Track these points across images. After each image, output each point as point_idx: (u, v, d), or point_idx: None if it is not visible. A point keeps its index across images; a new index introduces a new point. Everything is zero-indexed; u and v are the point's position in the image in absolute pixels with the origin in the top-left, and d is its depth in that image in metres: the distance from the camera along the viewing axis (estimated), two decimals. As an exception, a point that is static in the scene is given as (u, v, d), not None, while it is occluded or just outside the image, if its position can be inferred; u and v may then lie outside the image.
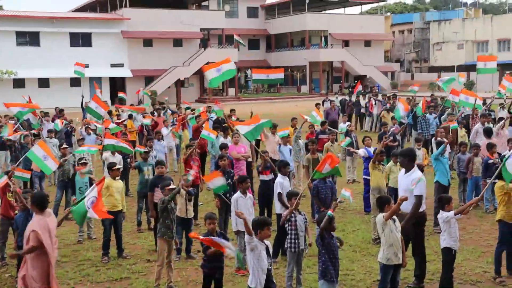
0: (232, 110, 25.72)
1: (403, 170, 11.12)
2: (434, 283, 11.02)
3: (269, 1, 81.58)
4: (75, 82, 60.55)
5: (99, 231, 14.07)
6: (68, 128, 23.60)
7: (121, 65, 64.93)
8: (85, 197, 10.39)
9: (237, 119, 22.38)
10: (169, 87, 64.10)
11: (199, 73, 68.28)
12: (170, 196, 11.20)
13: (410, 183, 10.64)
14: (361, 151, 16.40)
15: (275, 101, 60.74)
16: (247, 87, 77.03)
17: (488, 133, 18.02)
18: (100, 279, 11.95)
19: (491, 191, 16.16)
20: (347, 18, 79.63)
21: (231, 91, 69.61)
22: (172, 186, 11.58)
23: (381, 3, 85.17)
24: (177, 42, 68.30)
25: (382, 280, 9.80)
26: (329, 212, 9.14)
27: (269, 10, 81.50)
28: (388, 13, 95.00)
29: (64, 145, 18.02)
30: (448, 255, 10.38)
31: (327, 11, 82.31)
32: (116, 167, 13.91)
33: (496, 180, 15.35)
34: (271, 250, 8.95)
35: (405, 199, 9.73)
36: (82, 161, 14.95)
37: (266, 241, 8.90)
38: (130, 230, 15.11)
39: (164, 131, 22.28)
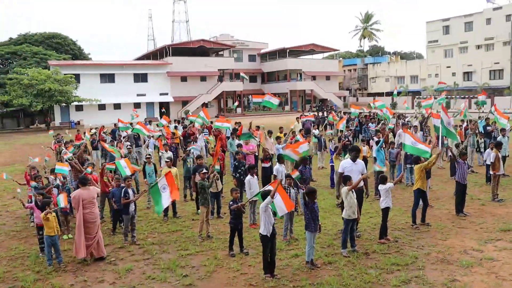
0: (238, 123, 25.67)
1: (348, 159, 11.06)
2: (376, 230, 11.20)
3: (263, 50, 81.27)
4: (137, 105, 60.97)
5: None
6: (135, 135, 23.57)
7: (166, 94, 64.63)
8: (157, 183, 10.42)
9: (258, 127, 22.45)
10: (197, 108, 63.63)
11: (217, 98, 68.43)
12: (202, 182, 11.29)
13: (359, 167, 10.91)
14: (331, 146, 16.62)
15: (267, 116, 60.60)
16: (249, 107, 76.92)
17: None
18: (163, 230, 12.07)
19: (409, 172, 16.57)
20: (314, 61, 79.14)
21: (239, 110, 69.57)
22: (204, 171, 11.80)
23: (336, 52, 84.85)
24: (203, 78, 67.68)
25: (345, 230, 9.90)
26: (296, 173, 9.60)
27: (263, 56, 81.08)
28: (340, 58, 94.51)
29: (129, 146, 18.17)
30: (386, 212, 10.76)
31: (301, 57, 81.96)
32: (168, 159, 14.10)
33: (413, 165, 15.78)
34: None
35: (364, 178, 9.97)
36: (148, 157, 15.02)
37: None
38: (179, 200, 14.92)
39: (199, 136, 22.46)
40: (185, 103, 65.45)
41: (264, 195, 9.03)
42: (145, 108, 62.41)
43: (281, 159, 13.17)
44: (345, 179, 9.98)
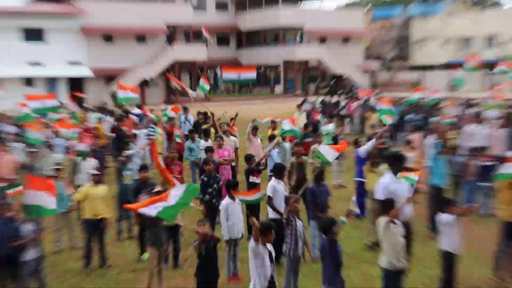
0: (202, 113, 25.86)
1: (389, 173, 11.36)
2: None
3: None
4: (29, 82, 60.51)
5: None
6: None
7: (79, 63, 63.90)
8: None
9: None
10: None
11: (165, 72, 68.38)
12: None
13: (405, 187, 11.03)
14: (360, 151, 16.65)
15: (247, 103, 60.67)
16: (217, 87, 76.80)
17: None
18: (86, 289, 12.15)
19: (485, 194, 16.84)
20: (324, 12, 79.92)
21: (199, 92, 69.35)
22: (156, 189, 11.85)
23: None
24: (141, 38, 67.78)
25: (386, 286, 10.05)
26: (342, 218, 9.61)
27: (240, 4, 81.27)
28: (368, 7, 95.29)
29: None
30: (449, 259, 10.83)
31: (303, 4, 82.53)
32: (95, 172, 14.14)
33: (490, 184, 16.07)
34: (273, 256, 9.27)
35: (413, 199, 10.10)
36: (57, 167, 14.96)
37: (269, 246, 9.22)
38: (110, 240, 14.95)
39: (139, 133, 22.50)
40: (110, 79, 65.24)
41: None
42: (42, 87, 61.89)
43: (278, 171, 13.23)
44: (386, 205, 10.09)
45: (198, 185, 11.25)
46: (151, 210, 9.84)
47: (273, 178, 13.22)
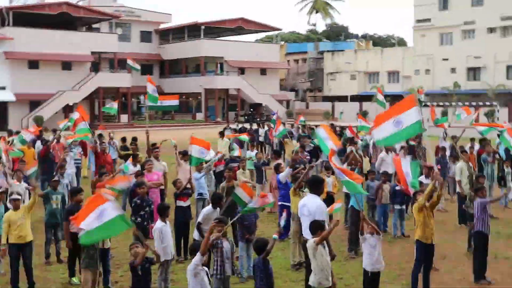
0: (134, 139, 25.74)
1: (311, 196, 11.42)
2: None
3: (163, 26, 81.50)
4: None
5: (7, 263, 13.51)
6: None
7: (3, 88, 62.25)
8: None
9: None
10: (56, 113, 62.25)
11: (89, 98, 67.54)
12: None
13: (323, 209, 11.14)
14: (281, 176, 16.67)
15: (170, 128, 60.40)
16: (140, 113, 76.27)
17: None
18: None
19: (398, 216, 17.18)
20: (243, 45, 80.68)
21: (124, 118, 68.80)
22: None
23: (276, 32, 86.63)
24: (66, 65, 66.58)
25: (313, 305, 9.98)
26: (275, 236, 9.56)
27: (163, 35, 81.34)
28: (283, 42, 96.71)
29: None
30: (370, 277, 10.95)
31: (222, 38, 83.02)
32: (16, 198, 13.54)
33: (402, 206, 16.43)
34: (209, 275, 9.16)
35: (336, 225, 10.18)
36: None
37: (204, 267, 9.14)
38: (38, 263, 14.38)
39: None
40: (35, 104, 63.78)
41: (193, 249, 9.01)
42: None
43: (217, 201, 13.16)
44: (315, 226, 10.12)
45: (126, 223, 10.62)
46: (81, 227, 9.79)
47: (211, 206, 13.20)
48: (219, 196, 13.57)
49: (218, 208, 13.17)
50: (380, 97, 26.75)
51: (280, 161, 19.35)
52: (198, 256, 8.75)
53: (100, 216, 9.42)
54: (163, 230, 11.81)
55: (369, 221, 11.03)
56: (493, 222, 17.52)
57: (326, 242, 10.07)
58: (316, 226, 10.05)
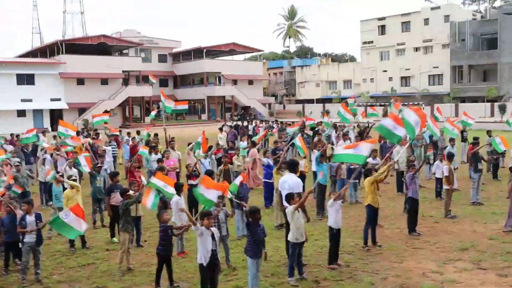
0: (156, 135, 25.71)
1: (289, 174, 11.32)
2: (324, 254, 11.46)
3: (175, 50, 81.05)
4: (21, 113, 58.73)
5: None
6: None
7: (59, 99, 62.07)
8: (58, 216, 10.24)
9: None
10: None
11: (121, 105, 67.16)
12: (131, 201, 11.22)
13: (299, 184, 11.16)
14: (265, 160, 16.87)
15: (182, 126, 60.18)
16: (159, 115, 75.86)
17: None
18: (72, 265, 11.66)
19: (353, 188, 17.24)
20: (235, 63, 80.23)
21: (147, 119, 68.49)
22: (132, 193, 11.60)
23: (260, 53, 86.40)
24: (104, 81, 66.19)
25: (291, 254, 10.04)
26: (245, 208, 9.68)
27: (176, 56, 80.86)
28: (265, 60, 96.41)
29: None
30: (330, 232, 11.02)
31: (220, 58, 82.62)
32: (72, 179, 13.76)
33: (357, 180, 16.42)
34: (216, 237, 9.07)
35: (311, 191, 10.19)
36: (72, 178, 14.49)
37: (213, 229, 9.08)
38: (87, 227, 14.57)
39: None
40: (82, 110, 63.47)
41: (202, 215, 9.03)
42: (31, 117, 59.76)
43: (210, 175, 13.08)
44: (289, 197, 10.15)
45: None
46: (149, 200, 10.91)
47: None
48: (210, 172, 13.67)
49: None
50: (343, 110, 25.81)
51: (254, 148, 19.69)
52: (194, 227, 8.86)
53: None
54: (179, 202, 11.83)
55: (338, 193, 11.14)
56: (422, 190, 17.74)
57: (302, 208, 10.12)
58: (291, 196, 10.09)
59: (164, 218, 10.05)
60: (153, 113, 27.00)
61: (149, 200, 11.27)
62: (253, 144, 20.12)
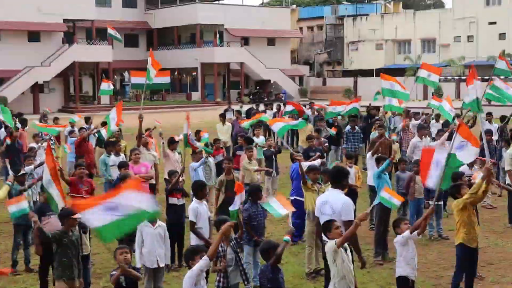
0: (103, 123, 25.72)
1: (334, 191, 11.36)
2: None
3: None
4: None
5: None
6: None
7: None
8: None
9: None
10: (23, 93, 62.89)
11: (63, 75, 67.57)
12: (59, 234, 11.15)
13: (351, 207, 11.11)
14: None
15: (161, 111, 60.31)
16: (124, 93, 76.07)
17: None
18: None
19: (435, 214, 17.12)
20: (246, 10, 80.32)
21: (105, 99, 68.75)
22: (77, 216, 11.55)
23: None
24: (34, 36, 66.87)
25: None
26: (286, 237, 9.59)
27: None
28: (294, 6, 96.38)
29: None
30: (404, 284, 10.98)
31: (222, 2, 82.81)
32: None
33: (441, 201, 16.34)
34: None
35: (364, 217, 10.09)
36: None
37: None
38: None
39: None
40: (-2, 81, 64.06)
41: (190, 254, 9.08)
42: None
43: (198, 190, 13.13)
44: (327, 226, 10.14)
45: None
46: (92, 218, 9.57)
47: (194, 199, 13.11)
48: (200, 184, 13.58)
49: (204, 201, 13.27)
50: (424, 74, 25.50)
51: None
52: (204, 261, 8.69)
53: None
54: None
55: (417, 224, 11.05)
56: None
57: (354, 245, 10.08)
58: (327, 226, 10.06)
59: (118, 258, 10.01)
60: (105, 85, 26.97)
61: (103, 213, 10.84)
62: (248, 141, 20.33)
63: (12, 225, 15.19)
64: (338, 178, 11.40)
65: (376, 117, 27.67)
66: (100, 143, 23.90)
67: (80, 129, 25.02)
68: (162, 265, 12.22)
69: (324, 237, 10.37)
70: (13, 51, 64.29)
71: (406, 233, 10.90)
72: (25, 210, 12.39)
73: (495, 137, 22.62)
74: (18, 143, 22.76)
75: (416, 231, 10.91)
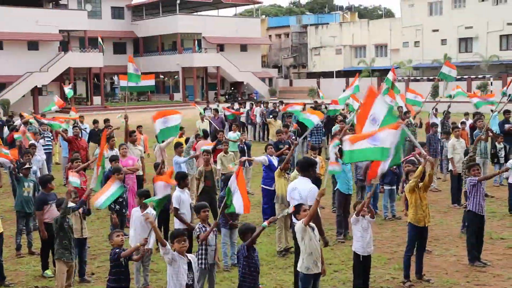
0: (106, 121, 25.58)
1: (302, 179, 11.48)
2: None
3: (135, 0, 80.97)
4: None
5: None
6: None
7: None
8: None
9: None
10: (24, 96, 62.43)
11: (60, 79, 66.85)
12: (61, 213, 11.01)
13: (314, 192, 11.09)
14: (262, 158, 16.74)
15: (146, 110, 60.02)
16: (114, 95, 75.85)
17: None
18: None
19: (389, 197, 17.20)
20: (221, 20, 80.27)
21: (97, 100, 68.54)
22: (71, 205, 11.47)
23: (257, 5, 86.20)
24: (33, 45, 66.18)
25: (302, 291, 10.00)
26: (264, 223, 9.59)
27: (136, 11, 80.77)
28: (264, 16, 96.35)
29: None
30: (362, 261, 11.01)
31: (200, 13, 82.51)
32: None
33: (392, 186, 16.38)
34: (194, 265, 9.14)
35: (322, 193, 10.02)
36: None
37: (190, 256, 9.12)
38: (8, 256, 14.27)
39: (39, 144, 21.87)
40: (0, 87, 63.42)
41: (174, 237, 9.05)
42: None
43: (180, 180, 13.04)
44: (296, 209, 10.15)
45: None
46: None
47: (177, 188, 12.98)
48: (182, 175, 13.40)
49: (186, 189, 13.19)
50: (445, 69, 25.27)
51: (208, 141, 20.28)
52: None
53: None
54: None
55: (368, 204, 11.04)
56: (488, 201, 17.73)
57: (317, 227, 10.08)
58: (297, 209, 10.10)
59: (115, 240, 9.95)
60: (66, 90, 27.05)
61: (100, 199, 10.93)
62: (205, 135, 20.44)
63: (15, 212, 15.08)
64: (306, 167, 11.47)
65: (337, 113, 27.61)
66: (93, 138, 23.88)
67: (74, 127, 24.76)
68: (149, 247, 12.15)
69: (293, 219, 10.41)
70: (14, 58, 63.92)
71: (353, 215, 11.00)
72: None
73: (439, 129, 22.63)
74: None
75: (365, 214, 10.94)
